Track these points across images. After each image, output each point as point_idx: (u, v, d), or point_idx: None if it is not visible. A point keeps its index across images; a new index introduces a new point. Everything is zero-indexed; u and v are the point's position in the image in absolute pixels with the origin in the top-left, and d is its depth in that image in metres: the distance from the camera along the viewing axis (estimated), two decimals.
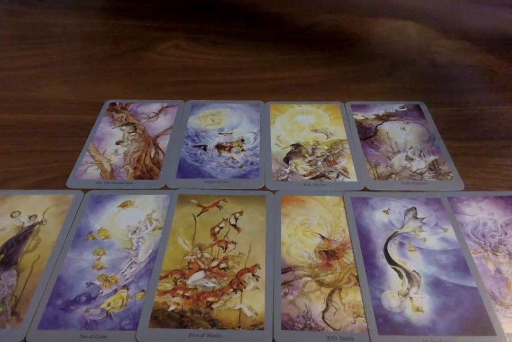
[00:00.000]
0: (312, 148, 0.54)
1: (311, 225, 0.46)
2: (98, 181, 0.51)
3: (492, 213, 0.46)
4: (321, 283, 0.41)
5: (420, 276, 0.41)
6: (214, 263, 0.43)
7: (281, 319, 0.38)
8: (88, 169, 0.52)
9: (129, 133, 0.57)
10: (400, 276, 0.41)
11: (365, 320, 0.38)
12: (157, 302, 0.40)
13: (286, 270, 0.42)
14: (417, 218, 0.46)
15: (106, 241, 0.45)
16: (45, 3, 0.89)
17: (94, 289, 0.41)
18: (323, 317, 0.38)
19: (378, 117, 0.59)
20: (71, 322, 0.39)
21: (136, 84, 0.67)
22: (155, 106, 0.62)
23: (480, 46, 0.73)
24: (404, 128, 0.57)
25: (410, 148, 0.54)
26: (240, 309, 0.39)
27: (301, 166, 0.52)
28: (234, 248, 0.44)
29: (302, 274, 0.42)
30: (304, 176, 0.51)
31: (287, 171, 0.51)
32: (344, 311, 0.39)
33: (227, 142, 0.56)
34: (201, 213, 0.47)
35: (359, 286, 0.40)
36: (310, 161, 0.53)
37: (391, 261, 0.42)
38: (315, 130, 0.57)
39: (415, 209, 0.47)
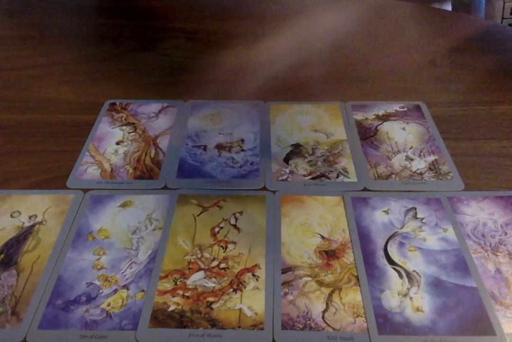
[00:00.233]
0: (312, 149, 0.54)
1: (311, 225, 0.46)
2: (98, 181, 0.51)
3: (492, 213, 0.46)
4: (321, 283, 0.41)
5: (420, 276, 0.41)
6: (214, 263, 0.42)
7: (281, 319, 0.38)
8: (88, 169, 0.52)
9: (129, 133, 0.57)
10: (400, 276, 0.41)
11: (365, 320, 0.38)
12: (157, 302, 0.40)
13: (286, 270, 0.42)
14: (417, 218, 0.46)
15: (106, 241, 0.45)
16: (45, 3, 0.89)
17: (94, 289, 0.41)
18: (323, 317, 0.38)
19: (378, 117, 0.59)
20: (71, 322, 0.38)
21: (136, 84, 0.67)
22: (155, 106, 0.62)
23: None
24: (404, 128, 0.57)
25: (410, 148, 0.54)
26: (240, 309, 0.39)
27: (301, 166, 0.52)
28: (234, 248, 0.44)
29: (302, 274, 0.41)
30: (304, 176, 0.51)
31: (287, 171, 0.51)
32: (344, 311, 0.39)
33: (227, 143, 0.56)
34: (201, 213, 0.47)
35: (359, 286, 0.40)
36: (310, 161, 0.53)
37: (391, 261, 0.42)
38: (315, 130, 0.57)
39: (415, 209, 0.47)
